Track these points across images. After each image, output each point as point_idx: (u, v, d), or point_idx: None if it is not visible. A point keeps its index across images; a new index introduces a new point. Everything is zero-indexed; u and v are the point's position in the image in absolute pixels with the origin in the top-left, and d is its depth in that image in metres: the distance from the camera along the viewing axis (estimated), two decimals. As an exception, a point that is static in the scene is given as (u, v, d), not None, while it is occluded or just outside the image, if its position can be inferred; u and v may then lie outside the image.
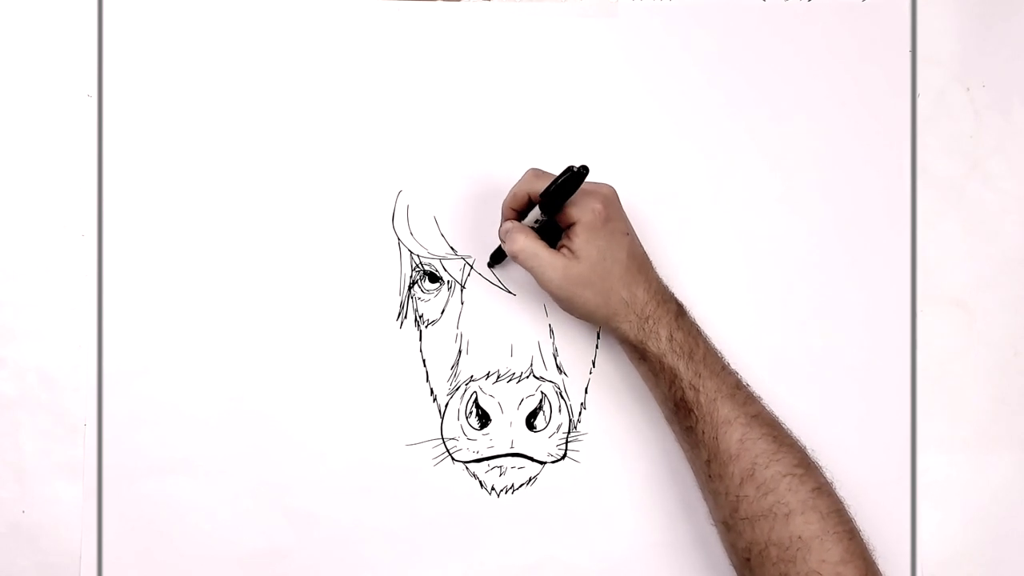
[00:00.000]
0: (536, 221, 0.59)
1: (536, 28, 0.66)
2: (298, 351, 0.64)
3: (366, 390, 0.64)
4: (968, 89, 0.66)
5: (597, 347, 0.65)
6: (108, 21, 0.65)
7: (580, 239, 0.57)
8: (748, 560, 0.54)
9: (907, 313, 0.65)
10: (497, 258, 0.64)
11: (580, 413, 0.64)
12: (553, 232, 0.60)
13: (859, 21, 0.66)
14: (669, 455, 0.63)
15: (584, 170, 0.54)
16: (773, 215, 0.65)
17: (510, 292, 0.64)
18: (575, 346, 0.64)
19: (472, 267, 0.64)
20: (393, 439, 0.64)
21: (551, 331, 0.64)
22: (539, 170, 0.59)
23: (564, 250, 0.57)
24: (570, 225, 0.58)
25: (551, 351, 0.64)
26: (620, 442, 0.64)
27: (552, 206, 0.57)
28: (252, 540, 0.63)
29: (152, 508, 0.63)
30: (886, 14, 0.67)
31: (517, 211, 0.60)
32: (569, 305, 0.58)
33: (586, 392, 0.64)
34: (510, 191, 0.60)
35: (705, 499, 0.59)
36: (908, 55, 0.66)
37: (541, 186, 0.57)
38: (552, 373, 0.64)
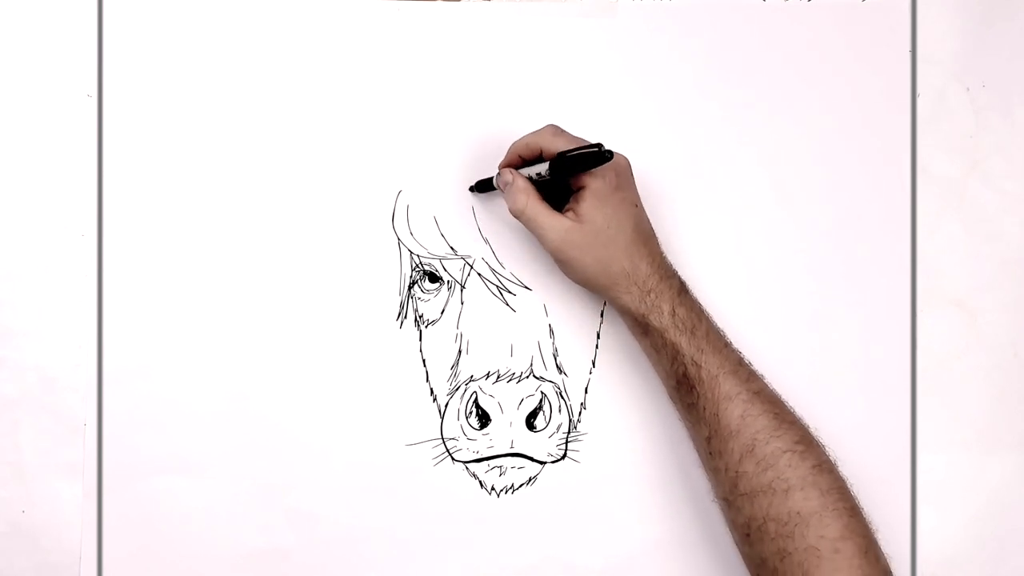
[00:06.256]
0: (538, 174, 0.58)
1: (536, 28, 0.66)
2: (298, 351, 0.64)
3: (366, 390, 0.64)
4: (968, 89, 0.66)
5: (597, 347, 0.65)
6: (108, 21, 0.64)
7: (587, 204, 0.56)
8: (747, 535, 0.54)
9: (907, 313, 0.65)
10: (483, 187, 0.63)
11: (580, 413, 0.64)
12: (555, 190, 0.59)
13: (859, 21, 0.66)
14: (669, 455, 0.63)
15: (609, 154, 0.54)
16: (773, 215, 0.65)
17: (510, 292, 0.64)
18: (575, 346, 0.64)
19: (472, 267, 0.64)
20: (393, 439, 0.64)
21: (551, 331, 0.64)
22: (559, 128, 0.58)
23: (570, 213, 0.57)
24: (579, 189, 0.57)
25: (551, 351, 0.64)
26: (620, 442, 0.64)
27: (563, 170, 0.56)
28: (252, 540, 0.63)
29: (152, 508, 0.63)
30: (886, 14, 0.67)
31: (523, 159, 0.59)
32: (568, 269, 0.58)
33: (586, 392, 0.64)
34: (523, 138, 0.59)
35: (707, 477, 0.58)
36: (908, 55, 0.66)
37: (557, 145, 0.56)
38: (552, 373, 0.64)
